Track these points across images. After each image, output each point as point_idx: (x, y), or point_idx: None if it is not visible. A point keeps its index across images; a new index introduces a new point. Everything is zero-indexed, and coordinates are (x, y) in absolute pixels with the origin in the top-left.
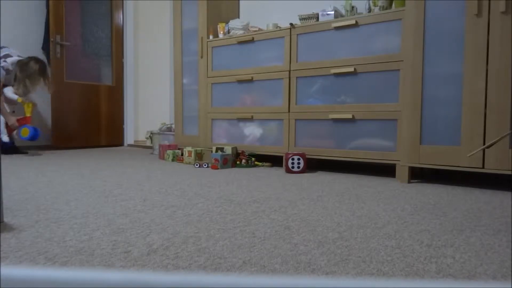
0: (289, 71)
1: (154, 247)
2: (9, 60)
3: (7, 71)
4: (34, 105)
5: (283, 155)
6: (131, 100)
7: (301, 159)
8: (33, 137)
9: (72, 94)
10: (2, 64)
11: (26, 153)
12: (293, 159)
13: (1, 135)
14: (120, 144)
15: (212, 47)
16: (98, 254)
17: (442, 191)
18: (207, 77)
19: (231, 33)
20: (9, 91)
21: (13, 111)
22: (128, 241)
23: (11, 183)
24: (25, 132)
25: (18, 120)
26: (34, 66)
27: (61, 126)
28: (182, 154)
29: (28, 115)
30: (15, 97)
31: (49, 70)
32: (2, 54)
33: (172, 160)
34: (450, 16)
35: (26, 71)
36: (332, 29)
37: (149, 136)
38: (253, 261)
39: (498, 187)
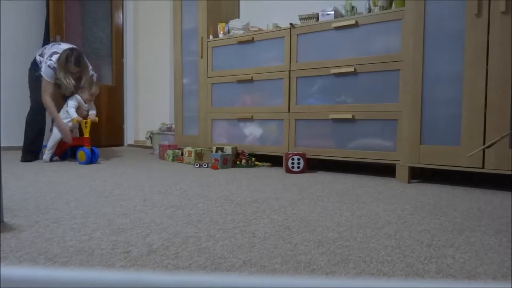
0: (289, 71)
1: (154, 247)
2: (54, 57)
3: (54, 69)
4: (94, 121)
5: (283, 155)
6: (131, 100)
7: (301, 159)
8: (91, 162)
9: None
10: (48, 63)
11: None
12: (293, 159)
13: (45, 154)
14: (120, 144)
15: (212, 47)
16: (98, 254)
17: (442, 191)
18: (207, 77)
19: (231, 33)
20: (71, 103)
21: (71, 130)
22: (128, 241)
23: (11, 183)
24: (82, 156)
25: (74, 140)
26: (63, 55)
27: None
28: (182, 154)
29: (85, 135)
30: (74, 114)
31: (86, 62)
32: (49, 52)
33: (172, 160)
34: (450, 16)
35: (60, 66)
36: (332, 29)
37: (149, 136)
38: (253, 261)
39: (498, 187)
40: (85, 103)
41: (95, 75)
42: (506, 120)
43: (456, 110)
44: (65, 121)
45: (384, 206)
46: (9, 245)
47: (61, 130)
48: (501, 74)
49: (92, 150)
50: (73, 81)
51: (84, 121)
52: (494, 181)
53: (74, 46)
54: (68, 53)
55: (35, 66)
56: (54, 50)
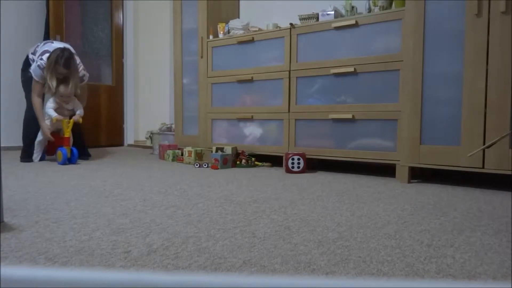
0: (289, 71)
1: (154, 247)
2: (45, 57)
3: (43, 69)
4: (77, 122)
5: (283, 155)
6: (131, 100)
7: (301, 159)
8: (70, 163)
9: None
10: (38, 63)
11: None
12: (293, 159)
13: (34, 155)
14: (120, 144)
15: (212, 47)
16: (98, 254)
17: (442, 191)
18: (207, 77)
19: (231, 33)
20: (49, 104)
21: (59, 130)
22: (128, 241)
23: (11, 183)
24: (59, 156)
25: (57, 140)
26: (53, 56)
27: None
28: (182, 154)
29: (66, 135)
30: (53, 114)
31: (76, 64)
32: (41, 51)
33: (172, 160)
34: (450, 16)
35: (48, 67)
36: (332, 29)
37: (149, 136)
38: (253, 261)
39: (498, 187)
40: (66, 102)
41: (86, 75)
42: (506, 120)
43: (456, 110)
44: (46, 121)
45: (384, 206)
46: (9, 245)
47: (42, 130)
48: (501, 74)
49: (71, 151)
50: (55, 84)
51: (66, 120)
52: (494, 181)
53: (66, 46)
54: (58, 54)
55: (27, 66)
56: (45, 49)
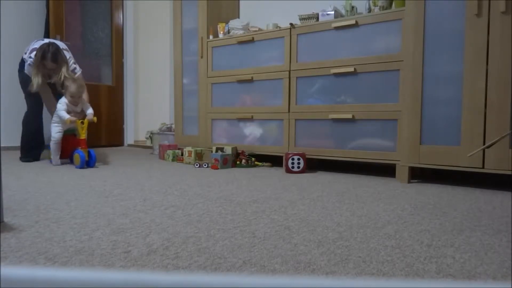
0: (289, 71)
1: (154, 247)
2: (33, 55)
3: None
4: (92, 121)
5: (283, 155)
6: (131, 100)
7: (301, 159)
8: (88, 166)
9: None
10: (28, 62)
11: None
12: (293, 159)
13: (53, 159)
14: (120, 144)
15: (212, 47)
16: (98, 254)
17: (442, 191)
18: (207, 77)
19: (231, 33)
20: (60, 106)
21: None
22: (128, 241)
23: (11, 183)
24: (76, 159)
25: (74, 142)
26: (39, 52)
27: None
28: (182, 154)
29: (82, 137)
30: (65, 115)
31: (64, 57)
32: (30, 49)
33: (172, 160)
34: (450, 16)
35: (35, 63)
36: (332, 29)
37: (149, 136)
38: (253, 261)
39: (498, 187)
40: (73, 104)
41: (78, 68)
42: (506, 120)
43: (456, 110)
44: (57, 127)
45: (384, 206)
46: (9, 245)
47: (61, 118)
48: (501, 74)
49: (88, 153)
50: (40, 80)
51: (80, 121)
52: (494, 181)
53: (52, 41)
54: (45, 49)
55: (22, 66)
56: (34, 47)
